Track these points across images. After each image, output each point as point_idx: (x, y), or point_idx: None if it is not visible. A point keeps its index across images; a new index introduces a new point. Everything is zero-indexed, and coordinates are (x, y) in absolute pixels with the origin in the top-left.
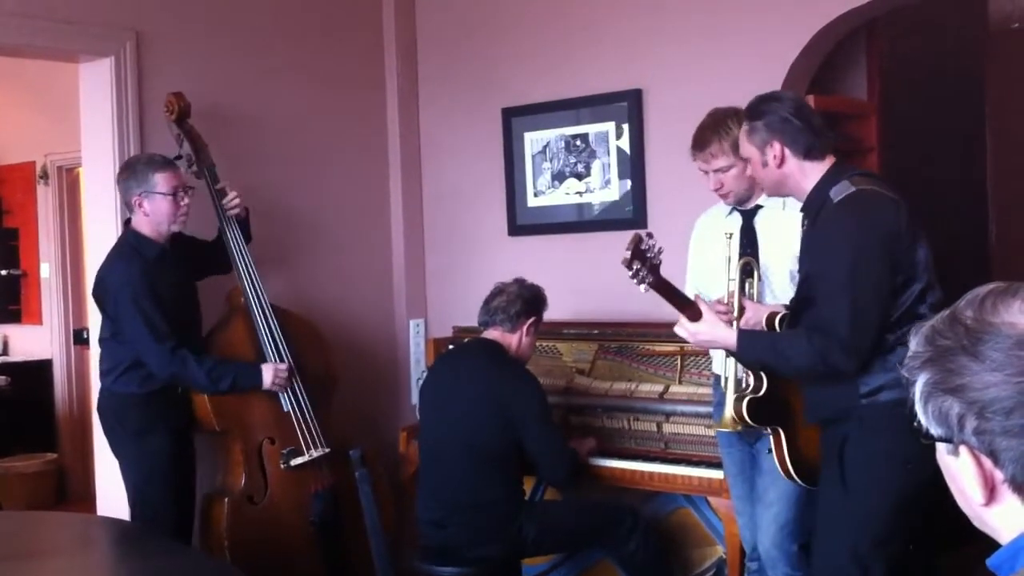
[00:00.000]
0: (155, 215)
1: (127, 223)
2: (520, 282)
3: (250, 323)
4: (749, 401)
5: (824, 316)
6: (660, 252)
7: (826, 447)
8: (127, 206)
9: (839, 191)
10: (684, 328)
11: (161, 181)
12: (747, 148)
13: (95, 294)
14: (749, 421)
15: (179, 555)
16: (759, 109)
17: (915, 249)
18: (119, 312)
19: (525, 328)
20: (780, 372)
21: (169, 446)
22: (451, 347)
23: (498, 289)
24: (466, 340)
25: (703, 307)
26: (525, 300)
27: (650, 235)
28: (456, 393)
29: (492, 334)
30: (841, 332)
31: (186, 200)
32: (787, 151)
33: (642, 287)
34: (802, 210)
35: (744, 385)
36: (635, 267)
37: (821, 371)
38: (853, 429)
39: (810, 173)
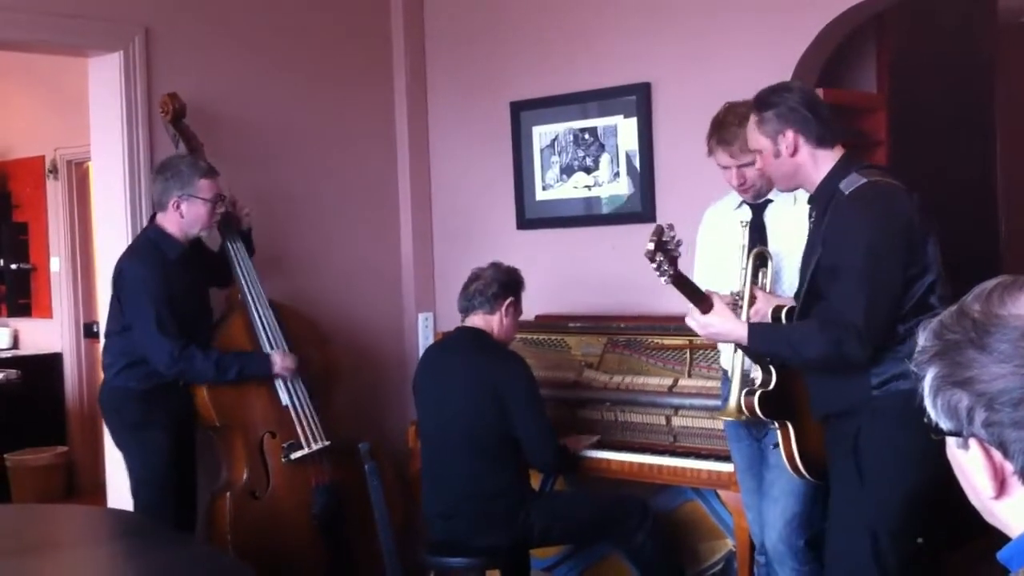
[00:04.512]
0: (189, 219)
1: (152, 218)
2: (496, 265)
3: (247, 318)
4: (760, 396)
5: (839, 308)
6: (679, 244)
7: (836, 442)
8: (158, 204)
9: (850, 183)
10: (695, 320)
11: (205, 187)
12: (759, 140)
13: (115, 286)
14: (761, 415)
15: (186, 548)
16: (769, 100)
17: (927, 241)
18: (132, 310)
19: (504, 309)
20: (792, 364)
21: (168, 441)
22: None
23: (474, 275)
24: (450, 332)
25: (716, 300)
26: (501, 283)
27: (671, 226)
28: (449, 386)
29: (473, 320)
30: (857, 324)
31: (221, 208)
32: (800, 139)
33: (663, 279)
34: (809, 201)
35: (751, 379)
36: (658, 259)
37: (835, 363)
38: (866, 421)
39: (822, 162)
